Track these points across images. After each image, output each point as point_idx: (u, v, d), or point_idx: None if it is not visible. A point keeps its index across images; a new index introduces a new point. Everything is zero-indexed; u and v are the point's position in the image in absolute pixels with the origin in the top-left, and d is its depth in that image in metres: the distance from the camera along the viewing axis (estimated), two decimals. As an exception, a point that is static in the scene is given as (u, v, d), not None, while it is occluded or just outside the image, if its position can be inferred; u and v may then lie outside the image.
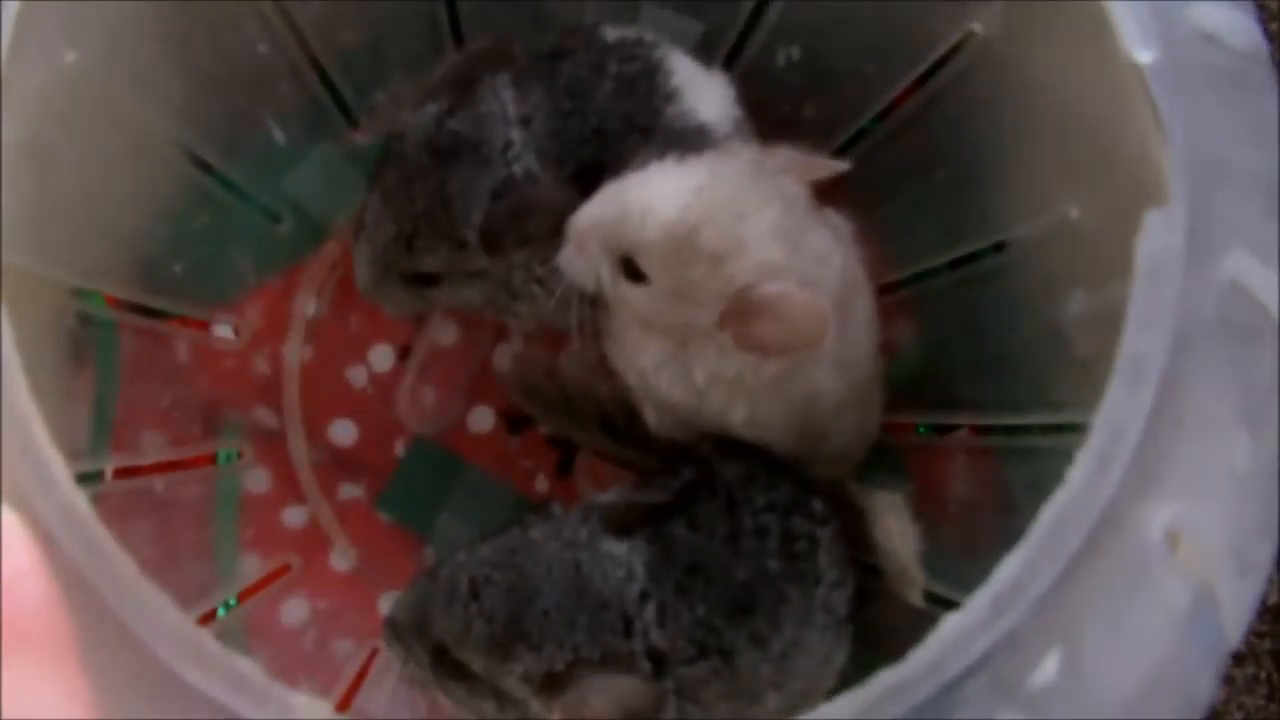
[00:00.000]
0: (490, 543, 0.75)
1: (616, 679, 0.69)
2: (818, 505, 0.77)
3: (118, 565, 0.48)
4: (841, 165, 0.76)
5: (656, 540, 0.74)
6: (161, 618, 0.48)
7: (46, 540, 0.48)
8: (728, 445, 0.79)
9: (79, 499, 0.49)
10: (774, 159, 0.74)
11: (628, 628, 0.71)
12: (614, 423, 0.87)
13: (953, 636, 0.49)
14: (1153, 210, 0.56)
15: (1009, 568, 0.50)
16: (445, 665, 0.74)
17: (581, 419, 0.89)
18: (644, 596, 0.72)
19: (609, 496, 0.78)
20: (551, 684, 0.70)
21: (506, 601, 0.71)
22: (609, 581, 0.72)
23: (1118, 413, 0.52)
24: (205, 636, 0.48)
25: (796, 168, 0.74)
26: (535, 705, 0.72)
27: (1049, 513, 0.51)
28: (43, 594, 0.46)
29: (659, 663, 0.71)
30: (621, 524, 0.74)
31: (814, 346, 0.67)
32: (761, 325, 0.68)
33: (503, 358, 0.97)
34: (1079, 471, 0.52)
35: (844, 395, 0.77)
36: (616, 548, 0.73)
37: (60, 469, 0.49)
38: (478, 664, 0.72)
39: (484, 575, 0.73)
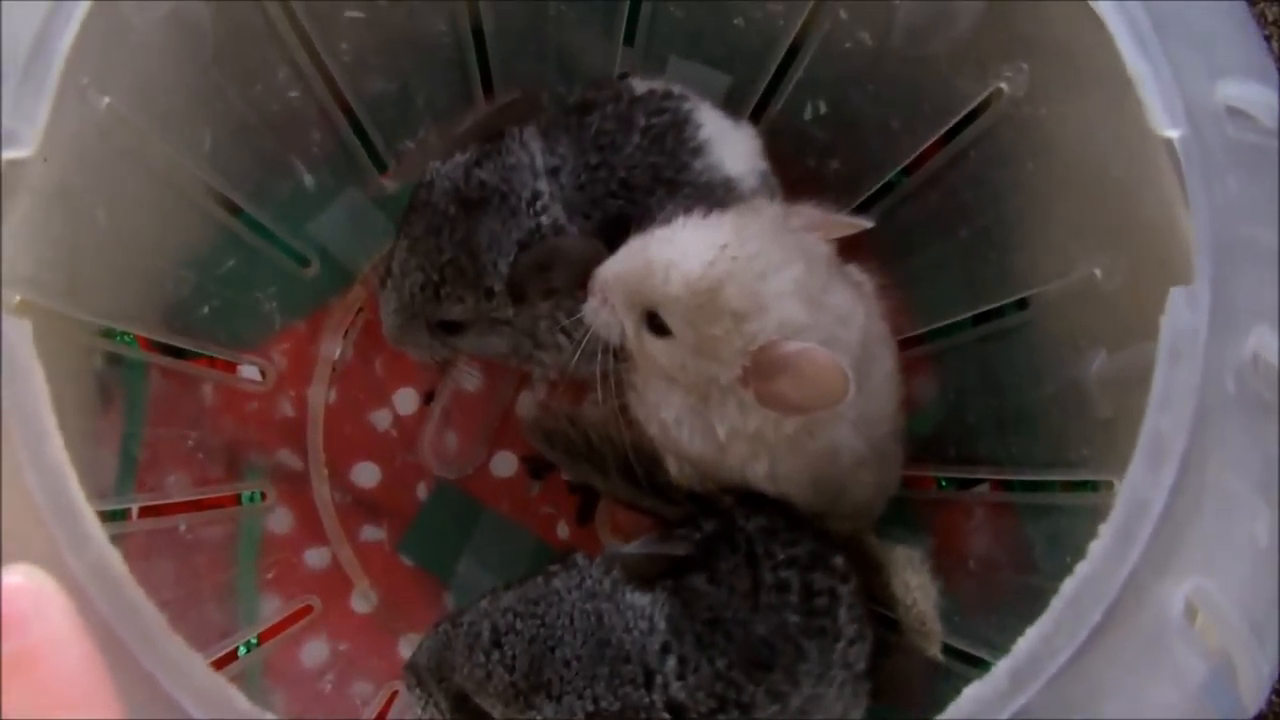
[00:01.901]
0: (513, 591, 0.75)
1: None
2: (838, 561, 0.77)
3: (148, 621, 0.49)
4: (864, 223, 0.76)
5: (678, 593, 0.74)
6: (192, 674, 0.48)
7: (79, 596, 0.48)
8: (750, 498, 0.79)
9: (113, 556, 0.49)
10: (797, 217, 0.74)
11: (648, 680, 0.71)
12: (635, 470, 0.87)
13: (972, 707, 0.49)
14: (1176, 289, 0.56)
15: (1029, 640, 0.50)
16: (465, 712, 0.74)
17: (603, 466, 0.88)
18: (665, 649, 0.71)
19: (632, 547, 0.78)
20: None
21: (528, 651, 0.72)
22: (631, 633, 0.72)
23: (1139, 489, 0.53)
24: (234, 693, 0.48)
25: (820, 225, 0.74)
26: None
27: (1070, 586, 0.51)
28: (85, 657, 0.46)
29: (678, 715, 0.71)
30: (644, 575, 0.74)
31: (834, 405, 0.67)
32: (782, 383, 0.68)
33: (526, 404, 0.97)
34: (1100, 545, 0.52)
35: (864, 451, 0.77)
36: (639, 599, 0.73)
37: (94, 525, 0.50)
38: (498, 711, 0.73)
39: (507, 624, 0.73)
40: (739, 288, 0.68)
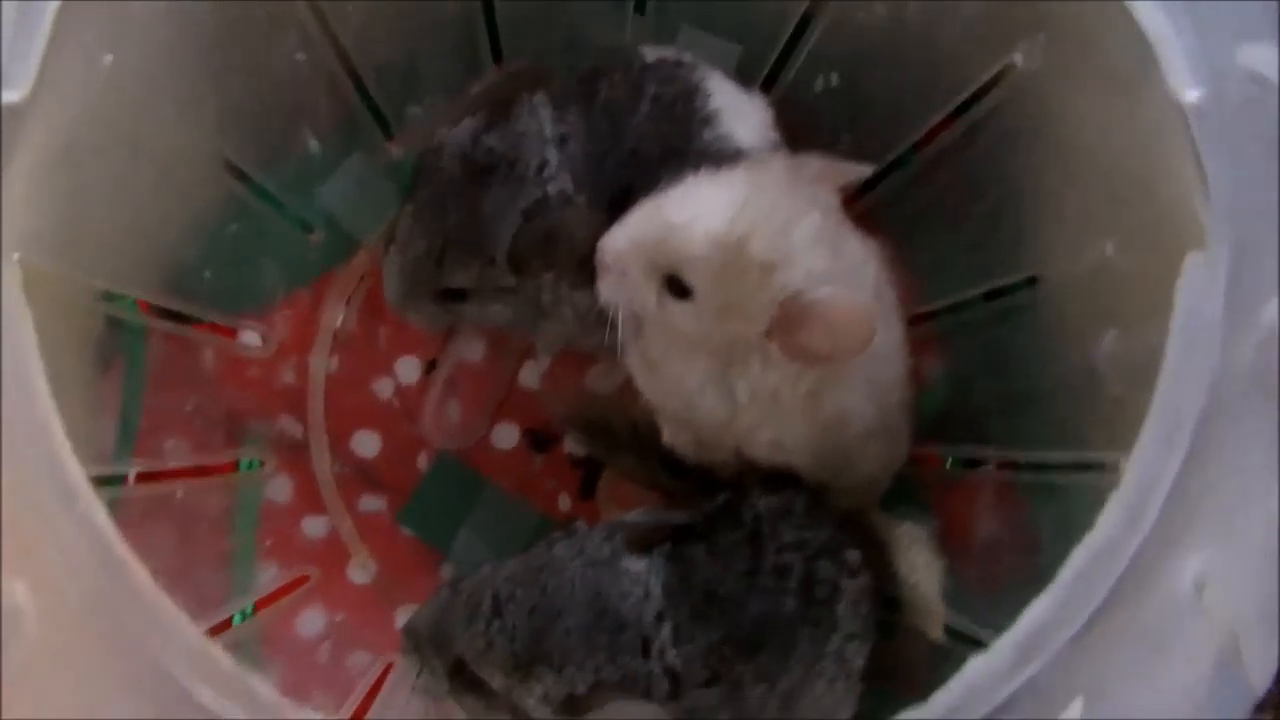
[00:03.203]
0: (515, 559, 0.75)
1: (638, 705, 0.69)
2: (852, 556, 0.75)
3: (135, 578, 0.48)
4: (867, 168, 0.76)
5: (674, 560, 0.73)
6: (177, 633, 0.48)
7: (66, 553, 0.48)
8: (774, 480, 0.78)
9: (98, 511, 0.49)
10: (805, 168, 0.74)
11: (645, 648, 0.71)
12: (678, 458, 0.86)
13: (976, 680, 0.49)
14: (1193, 256, 0.55)
15: (1035, 613, 0.50)
16: (463, 679, 0.74)
17: (646, 453, 0.88)
18: (660, 617, 0.71)
19: (634, 516, 0.78)
20: (572, 706, 0.70)
21: (529, 621, 0.71)
22: (627, 600, 0.72)
23: (1151, 463, 0.52)
24: (219, 653, 0.48)
25: (827, 174, 0.74)
26: None
27: (1078, 559, 0.50)
28: None
29: (676, 683, 0.70)
30: (643, 542, 0.74)
31: (862, 349, 0.66)
32: (811, 331, 0.67)
33: (531, 376, 0.97)
34: (1109, 518, 0.51)
35: (872, 420, 0.77)
36: (635, 565, 0.73)
37: (81, 480, 0.49)
38: (497, 681, 0.72)
39: (508, 592, 0.72)
40: (765, 239, 0.67)
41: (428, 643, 0.75)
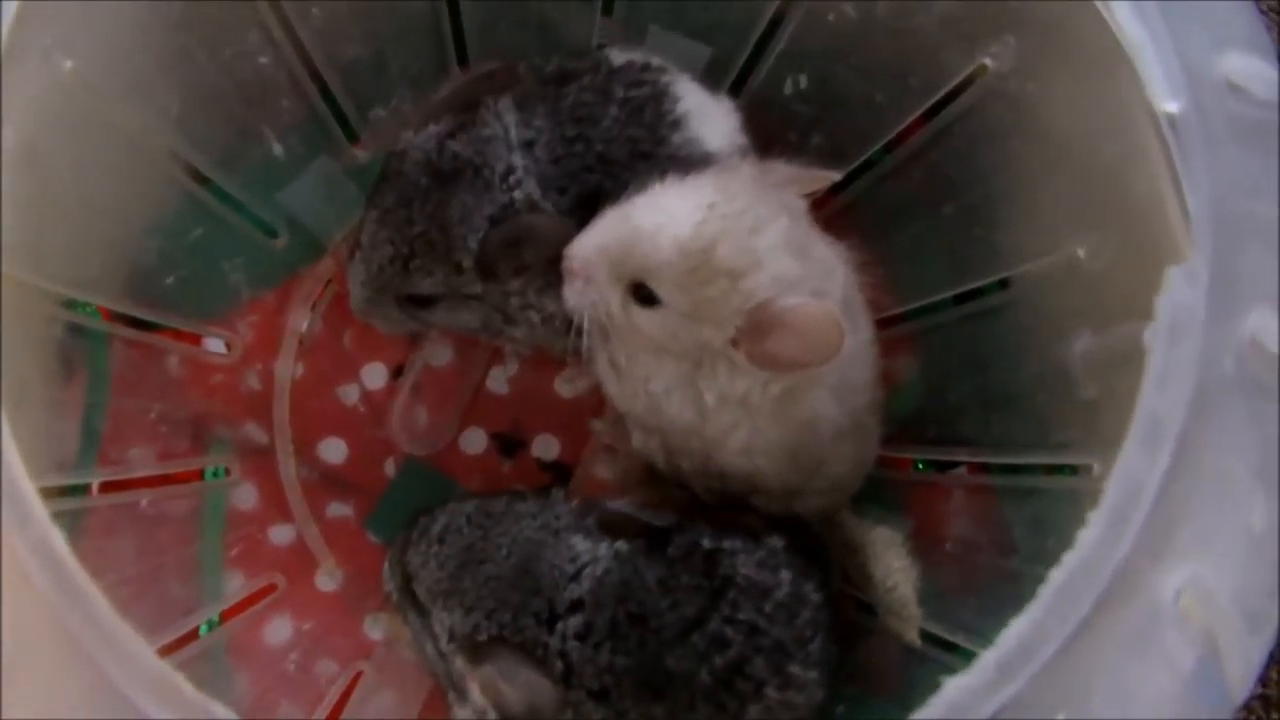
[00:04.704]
0: (483, 500, 0.77)
1: (533, 674, 0.69)
2: (797, 672, 0.72)
3: (91, 602, 0.47)
4: (834, 175, 0.75)
5: (625, 563, 0.73)
6: (133, 657, 0.47)
7: (22, 576, 0.47)
8: (790, 533, 0.77)
9: (53, 535, 0.48)
10: (773, 173, 0.73)
11: (551, 621, 0.71)
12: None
13: (955, 699, 0.48)
14: (1174, 266, 0.54)
15: (1016, 630, 0.49)
16: (409, 594, 0.77)
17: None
18: (576, 606, 0.71)
19: (618, 504, 0.78)
20: (472, 650, 0.71)
21: (459, 555, 0.74)
22: (555, 571, 0.72)
23: (1133, 473, 0.51)
24: (178, 678, 0.47)
25: (793, 180, 0.73)
26: (458, 663, 0.73)
27: (1059, 574, 0.50)
28: None
29: (569, 672, 0.71)
30: (613, 529, 0.75)
31: (831, 358, 0.66)
32: (778, 340, 0.66)
33: (499, 381, 0.97)
34: (1092, 531, 0.50)
35: (842, 423, 0.76)
36: (582, 544, 0.74)
37: (35, 503, 0.48)
38: (425, 601, 0.75)
39: (456, 525, 0.75)
40: (733, 245, 0.67)
41: (397, 551, 0.78)
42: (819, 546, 0.80)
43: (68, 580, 0.47)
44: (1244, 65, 0.58)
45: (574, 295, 0.72)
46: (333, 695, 0.88)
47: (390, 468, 0.95)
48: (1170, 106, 0.57)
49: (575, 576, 0.72)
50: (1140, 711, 0.50)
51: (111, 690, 0.47)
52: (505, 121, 0.76)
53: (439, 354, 0.96)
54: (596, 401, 0.92)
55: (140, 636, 0.47)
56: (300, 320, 0.95)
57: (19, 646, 0.47)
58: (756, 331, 0.67)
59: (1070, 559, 0.50)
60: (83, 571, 0.47)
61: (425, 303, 0.80)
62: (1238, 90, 0.58)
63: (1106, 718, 0.49)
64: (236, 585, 0.90)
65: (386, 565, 0.80)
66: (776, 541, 0.76)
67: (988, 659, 0.49)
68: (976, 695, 0.48)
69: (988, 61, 0.76)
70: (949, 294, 0.86)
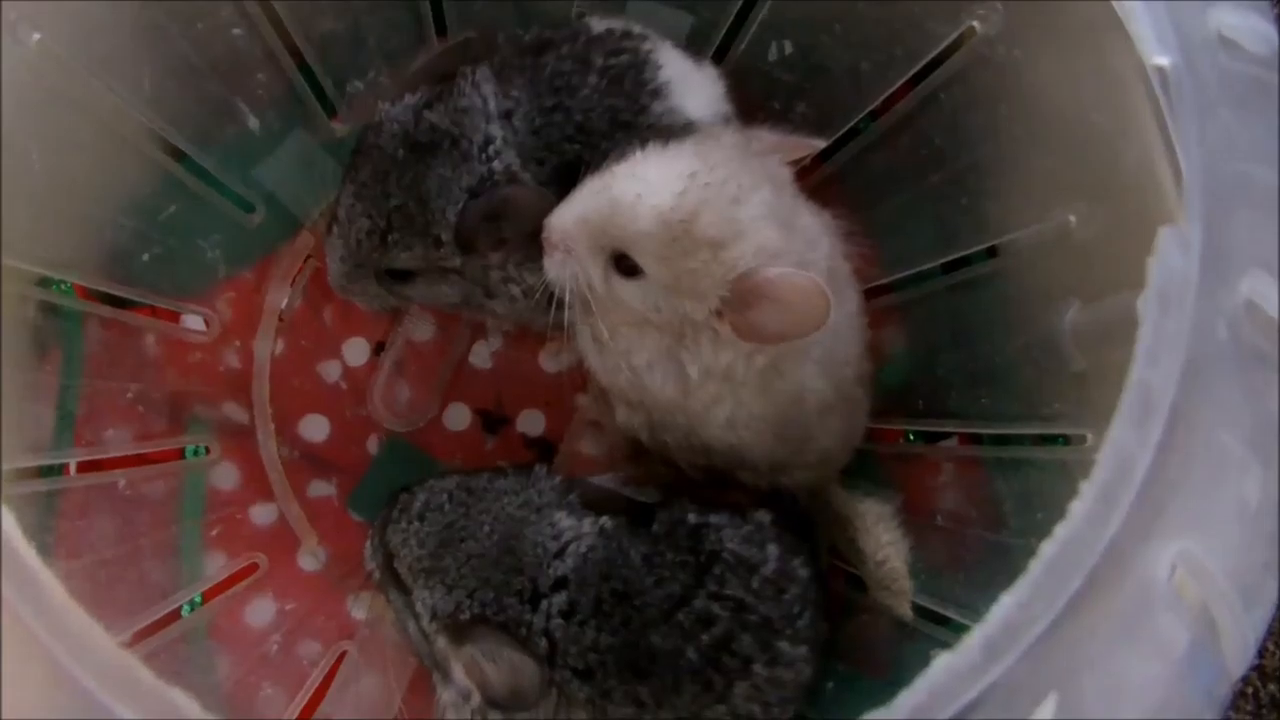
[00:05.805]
0: (464, 476, 0.76)
1: (516, 654, 0.69)
2: (784, 648, 0.71)
3: (47, 593, 0.46)
4: (819, 143, 0.74)
5: (610, 539, 0.72)
6: (91, 647, 0.46)
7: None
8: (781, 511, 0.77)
9: (8, 521, 0.46)
10: (757, 141, 0.72)
11: (534, 600, 0.70)
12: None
13: (943, 679, 0.47)
14: (1166, 229, 0.53)
15: (1004, 608, 0.48)
16: (391, 572, 0.76)
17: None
18: (560, 584, 0.71)
19: (601, 480, 0.77)
20: (455, 629, 0.71)
21: (440, 534, 0.73)
22: (538, 550, 0.71)
23: (1124, 446, 0.50)
24: (138, 667, 0.46)
25: (778, 148, 0.72)
26: (441, 643, 0.72)
27: (1049, 550, 0.48)
28: None
29: (552, 650, 0.70)
30: (596, 505, 0.74)
31: (816, 329, 0.65)
32: (763, 311, 0.65)
33: (482, 356, 0.95)
34: (1082, 506, 0.49)
35: (829, 395, 0.75)
36: (565, 521, 0.73)
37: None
38: (407, 579, 0.74)
39: (437, 502, 0.74)
40: (714, 215, 0.65)
41: (380, 529, 0.77)
42: (807, 522, 0.79)
43: (19, 566, 0.46)
44: (1236, 18, 0.57)
45: (554, 267, 0.71)
46: (316, 676, 0.88)
47: (373, 445, 0.94)
48: (1161, 60, 0.55)
49: (559, 554, 0.71)
50: (1134, 691, 0.49)
51: (70, 680, 0.45)
52: (483, 92, 0.75)
53: (421, 329, 0.95)
54: (582, 377, 0.91)
55: (97, 623, 0.46)
56: (280, 297, 0.94)
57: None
58: (740, 303, 0.66)
59: (1061, 531, 0.49)
60: (35, 556, 0.46)
61: (405, 277, 0.79)
62: (1230, 44, 0.56)
63: (1099, 695, 0.48)
64: (218, 565, 0.89)
65: (368, 544, 0.79)
66: (763, 516, 0.75)
67: (976, 637, 0.47)
68: (963, 675, 0.47)
69: (975, 25, 0.74)
70: (937, 263, 0.85)
